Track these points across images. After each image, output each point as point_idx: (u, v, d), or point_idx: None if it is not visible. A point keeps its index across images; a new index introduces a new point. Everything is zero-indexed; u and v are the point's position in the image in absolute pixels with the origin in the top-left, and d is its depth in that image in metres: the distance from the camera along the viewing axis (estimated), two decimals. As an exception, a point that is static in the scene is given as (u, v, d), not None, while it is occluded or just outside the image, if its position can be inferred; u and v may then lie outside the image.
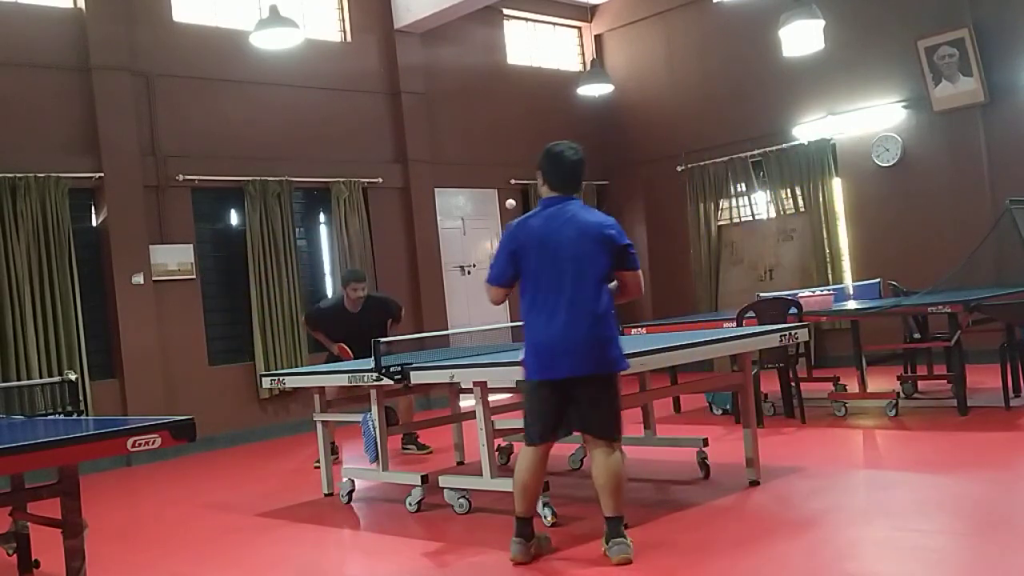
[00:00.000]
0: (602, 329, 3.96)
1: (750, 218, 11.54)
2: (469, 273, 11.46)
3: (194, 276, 9.07)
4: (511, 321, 11.08)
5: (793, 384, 7.21)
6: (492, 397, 5.26)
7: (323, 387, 6.14)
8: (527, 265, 4.04)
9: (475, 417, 5.08)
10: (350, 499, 5.85)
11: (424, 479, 5.33)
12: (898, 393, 7.25)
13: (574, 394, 3.99)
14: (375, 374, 5.18)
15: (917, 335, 7.71)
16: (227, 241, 9.54)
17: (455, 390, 6.33)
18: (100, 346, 8.58)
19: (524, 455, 4.12)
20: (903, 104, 10.07)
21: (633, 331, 7.39)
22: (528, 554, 4.07)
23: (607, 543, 3.93)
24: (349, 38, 10.57)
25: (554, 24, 12.79)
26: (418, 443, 7.50)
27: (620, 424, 4.08)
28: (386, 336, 7.41)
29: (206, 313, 9.20)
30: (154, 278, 8.74)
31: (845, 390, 7.31)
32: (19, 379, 7.80)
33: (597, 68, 11.04)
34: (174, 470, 7.93)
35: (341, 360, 7.26)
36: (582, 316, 3.94)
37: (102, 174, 8.52)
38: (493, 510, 5.13)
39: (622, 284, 4.11)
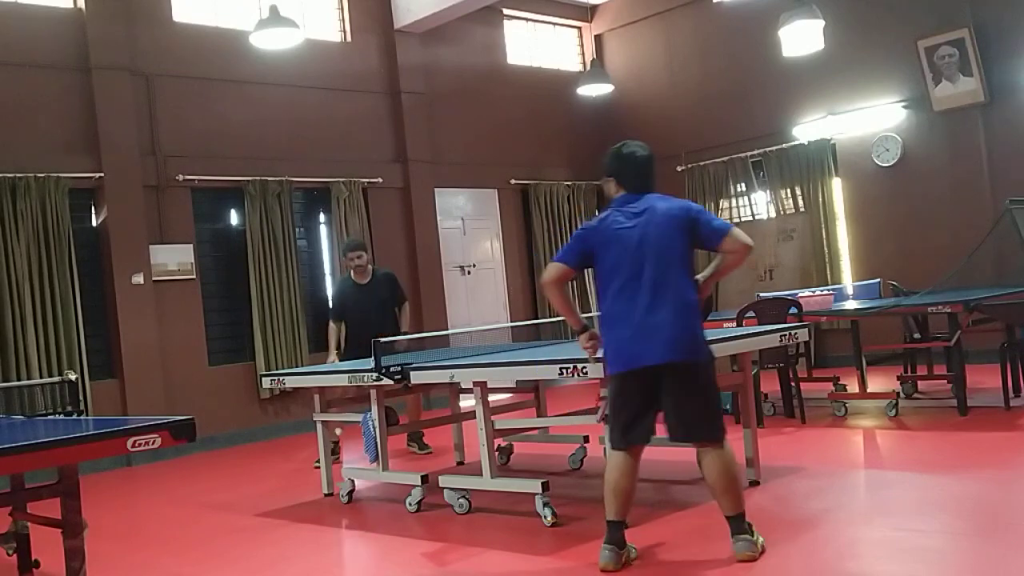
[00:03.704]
0: (688, 316, 3.82)
1: (750, 218, 11.53)
2: (469, 273, 11.47)
3: (194, 276, 9.07)
4: (511, 321, 11.13)
5: (793, 384, 7.22)
6: (492, 397, 5.26)
7: (323, 387, 6.14)
8: (605, 262, 3.91)
9: (475, 417, 5.08)
10: (350, 499, 5.85)
11: (424, 479, 5.33)
12: (898, 393, 7.25)
13: (664, 391, 3.81)
14: (375, 374, 5.18)
15: (917, 335, 7.71)
16: (227, 241, 9.54)
17: (455, 390, 6.32)
18: (100, 346, 8.58)
19: (614, 459, 3.93)
20: (903, 104, 10.07)
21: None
22: (619, 563, 3.83)
23: (732, 539, 3.84)
24: (349, 38, 10.57)
25: (554, 24, 12.79)
26: (421, 442, 7.49)
27: (721, 421, 3.90)
28: (395, 316, 7.41)
29: (206, 313, 9.19)
30: (154, 278, 8.74)
31: (845, 390, 7.31)
32: (19, 379, 7.80)
33: (597, 68, 11.03)
34: (174, 470, 7.93)
35: (340, 352, 7.28)
36: (666, 301, 3.80)
37: (102, 174, 8.52)
38: (493, 510, 5.13)
39: (723, 252, 3.89)
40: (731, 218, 11.69)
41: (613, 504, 3.91)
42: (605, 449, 4.02)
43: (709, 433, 3.87)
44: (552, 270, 4.03)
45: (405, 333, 7.25)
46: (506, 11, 12.01)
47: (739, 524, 3.85)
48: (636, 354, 3.81)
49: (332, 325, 7.47)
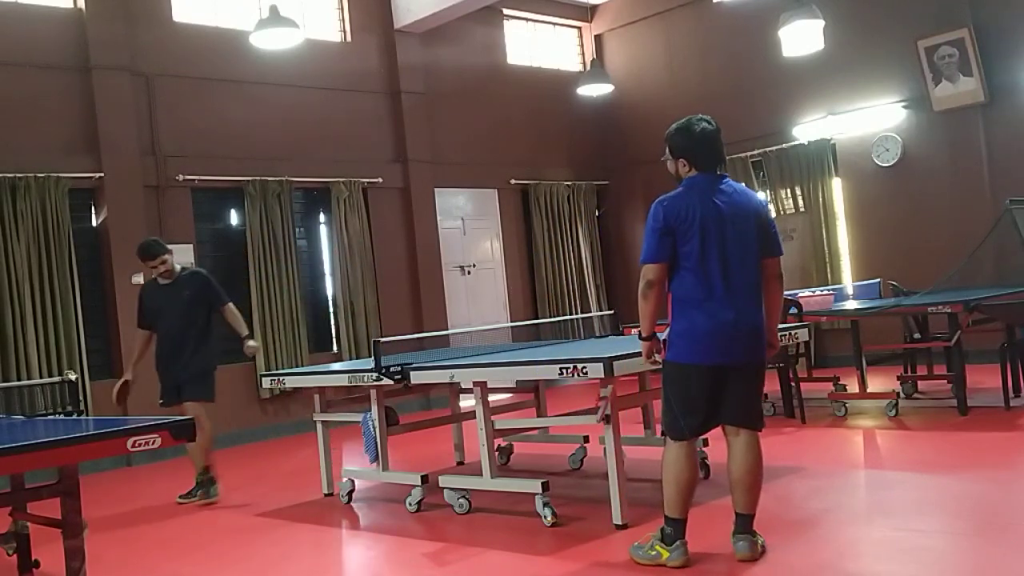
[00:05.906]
0: (763, 318, 3.87)
1: (750, 218, 11.51)
2: (469, 273, 11.47)
3: (194, 276, 9.06)
4: (511, 321, 11.13)
5: (793, 384, 7.22)
6: (492, 397, 5.26)
7: (323, 387, 6.14)
8: (684, 244, 3.76)
9: (475, 417, 5.08)
10: (350, 499, 5.85)
11: (424, 479, 5.33)
12: (898, 393, 7.25)
13: (729, 382, 3.80)
14: (375, 374, 5.18)
15: (917, 335, 7.71)
16: (227, 241, 9.54)
17: (455, 390, 6.32)
18: (100, 346, 8.58)
19: (675, 451, 3.86)
20: (903, 104, 10.07)
21: (633, 331, 7.38)
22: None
23: (734, 538, 3.85)
24: (349, 38, 10.57)
25: (554, 24, 12.79)
26: (209, 487, 6.34)
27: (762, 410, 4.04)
28: (207, 318, 6.62)
29: (206, 313, 9.18)
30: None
31: (845, 390, 7.31)
32: (19, 379, 7.81)
33: (597, 68, 11.04)
34: (174, 470, 7.91)
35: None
36: (752, 302, 3.81)
37: (102, 174, 8.52)
38: (493, 510, 5.13)
39: (769, 272, 3.89)
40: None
41: (684, 501, 3.87)
42: (664, 449, 3.92)
43: (759, 420, 3.94)
44: (649, 274, 3.79)
45: (245, 335, 6.63)
46: (506, 11, 12.00)
47: (746, 524, 3.86)
48: (720, 351, 3.77)
49: (138, 332, 6.69)
